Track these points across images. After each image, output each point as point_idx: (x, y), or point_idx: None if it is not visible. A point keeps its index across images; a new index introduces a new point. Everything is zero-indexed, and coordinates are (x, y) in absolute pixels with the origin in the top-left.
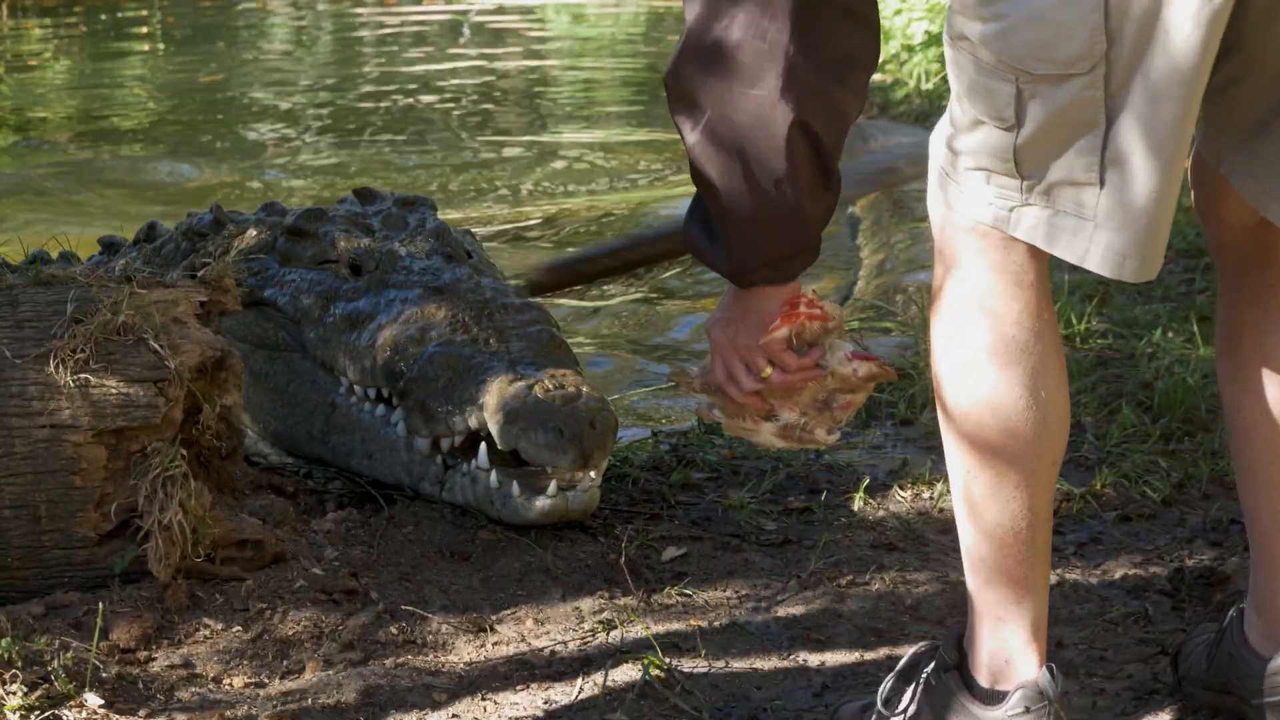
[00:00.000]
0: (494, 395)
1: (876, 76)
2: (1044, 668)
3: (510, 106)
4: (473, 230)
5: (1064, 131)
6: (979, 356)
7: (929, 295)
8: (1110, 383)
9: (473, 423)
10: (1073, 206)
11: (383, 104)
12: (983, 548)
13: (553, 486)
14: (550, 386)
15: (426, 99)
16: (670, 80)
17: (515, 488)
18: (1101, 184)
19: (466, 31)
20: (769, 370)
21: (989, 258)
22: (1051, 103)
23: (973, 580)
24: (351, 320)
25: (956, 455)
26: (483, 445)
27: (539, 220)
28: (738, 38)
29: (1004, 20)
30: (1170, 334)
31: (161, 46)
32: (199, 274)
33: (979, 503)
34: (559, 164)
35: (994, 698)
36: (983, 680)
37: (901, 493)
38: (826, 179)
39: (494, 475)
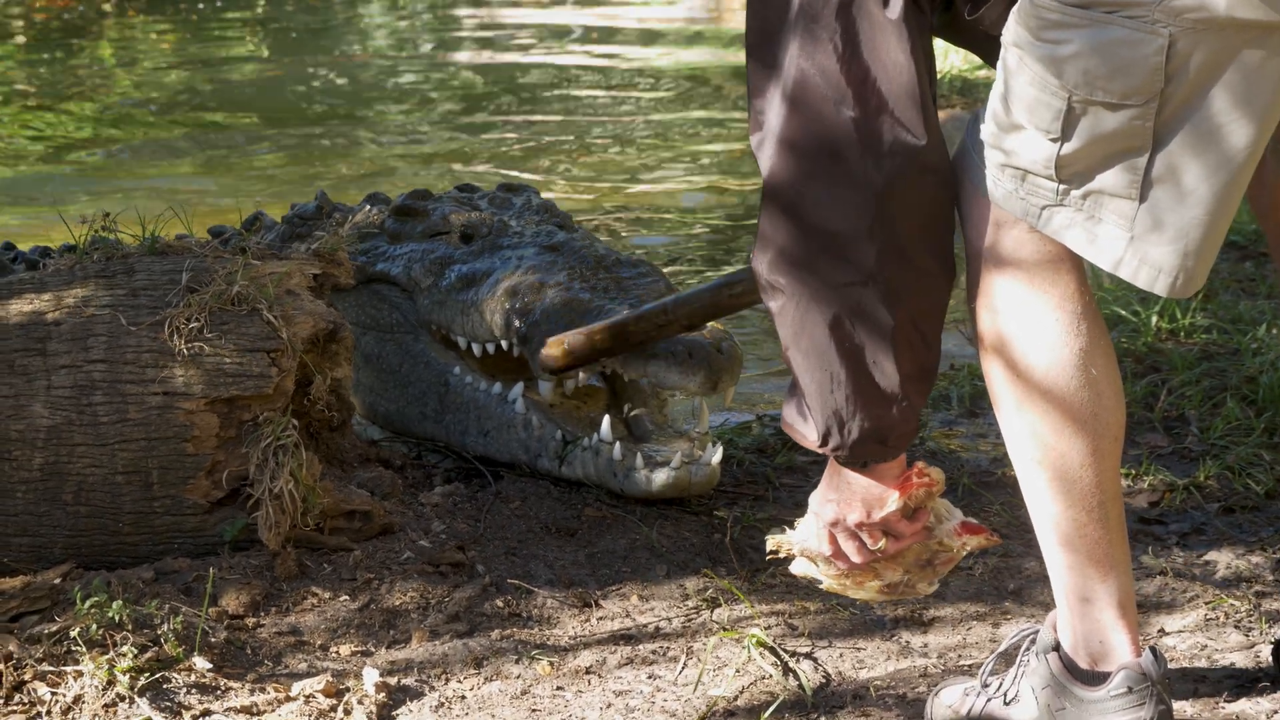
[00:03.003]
0: None
1: (980, 72)
2: (1147, 649)
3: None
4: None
5: (1109, 148)
6: (1027, 341)
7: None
8: (1214, 377)
9: None
10: (1110, 216)
11: (492, 107)
12: (1058, 529)
13: (677, 459)
14: None
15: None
16: (759, 259)
17: (639, 460)
18: (1141, 199)
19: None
20: (884, 542)
21: (1029, 245)
22: (1101, 125)
23: (1053, 564)
24: (467, 280)
25: (1019, 440)
26: (606, 418)
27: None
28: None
29: (1066, 45)
30: (1275, 330)
31: (257, 40)
32: (312, 247)
33: (1048, 485)
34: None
35: (1096, 679)
36: (1082, 662)
37: (1004, 480)
38: (927, 358)
39: (618, 448)
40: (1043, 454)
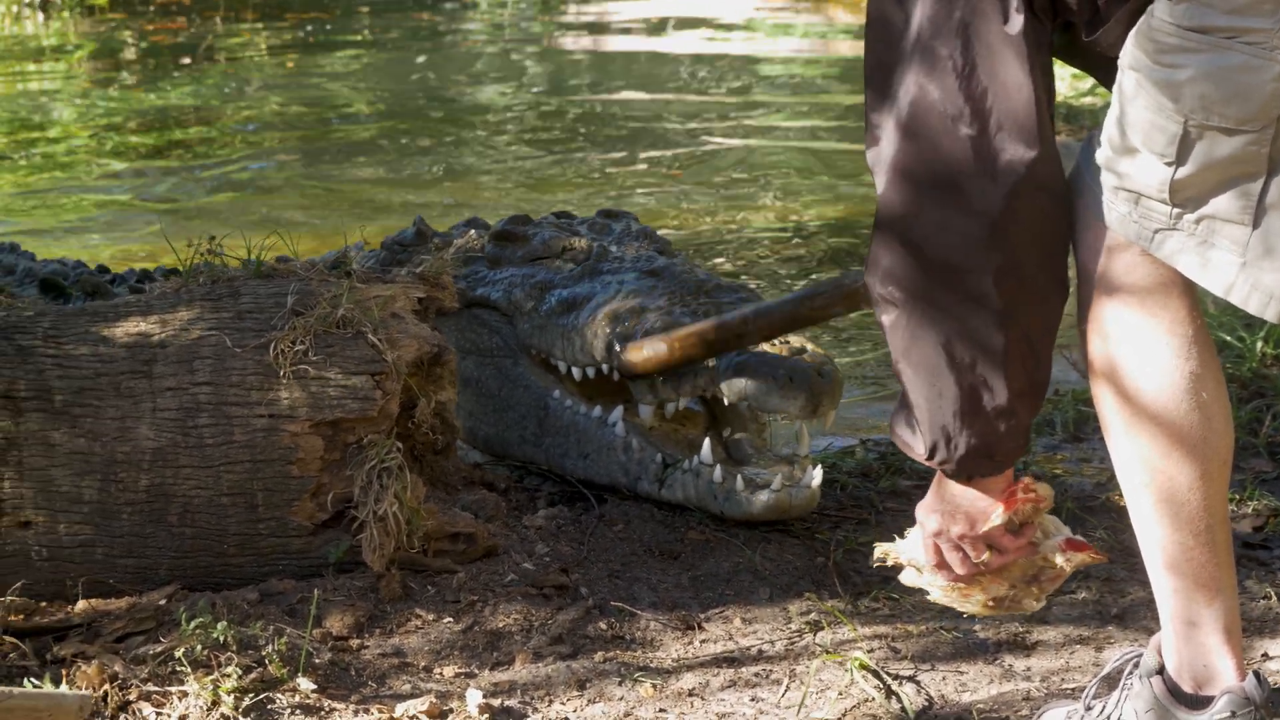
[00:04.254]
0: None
1: (1086, 99)
2: (1251, 673)
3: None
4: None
5: (1224, 174)
6: (1138, 366)
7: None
8: None
9: (701, 382)
10: (1223, 241)
11: (588, 125)
12: (1165, 553)
13: (777, 481)
14: (775, 341)
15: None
16: (871, 275)
17: (739, 482)
18: (1255, 225)
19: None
20: (987, 555)
21: (1141, 269)
22: (1216, 150)
23: (1159, 588)
24: (568, 305)
25: (1129, 464)
26: (706, 441)
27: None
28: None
29: (1182, 70)
30: None
31: (366, 56)
32: (416, 270)
33: (1155, 509)
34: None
35: (1199, 703)
36: (1186, 685)
37: (1108, 504)
38: (1038, 374)
39: (718, 470)
40: (1151, 477)
